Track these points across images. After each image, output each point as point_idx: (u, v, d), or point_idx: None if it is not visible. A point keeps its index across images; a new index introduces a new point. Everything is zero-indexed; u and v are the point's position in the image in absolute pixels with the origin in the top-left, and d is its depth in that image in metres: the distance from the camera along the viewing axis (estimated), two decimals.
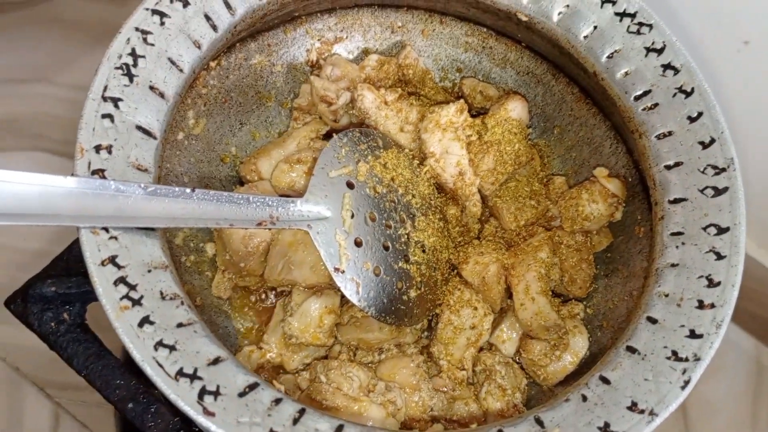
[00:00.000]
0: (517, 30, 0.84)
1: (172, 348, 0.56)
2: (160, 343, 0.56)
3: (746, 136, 0.93)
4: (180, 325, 0.57)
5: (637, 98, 0.74)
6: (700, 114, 0.72)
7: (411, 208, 0.78)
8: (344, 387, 0.70)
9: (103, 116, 0.63)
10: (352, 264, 0.71)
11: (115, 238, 0.59)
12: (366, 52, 0.90)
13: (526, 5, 0.79)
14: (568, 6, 0.78)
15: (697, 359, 0.60)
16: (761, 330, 1.15)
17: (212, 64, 0.78)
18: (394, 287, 0.74)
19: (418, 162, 0.82)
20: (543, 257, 0.79)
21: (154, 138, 0.65)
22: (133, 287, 0.58)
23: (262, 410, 0.55)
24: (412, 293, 0.75)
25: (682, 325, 0.62)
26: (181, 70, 0.69)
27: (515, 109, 0.84)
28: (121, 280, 0.57)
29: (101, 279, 0.57)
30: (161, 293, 0.59)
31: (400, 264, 0.75)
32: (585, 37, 0.77)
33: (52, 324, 0.70)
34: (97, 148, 0.62)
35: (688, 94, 0.73)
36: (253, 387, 0.56)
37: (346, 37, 0.90)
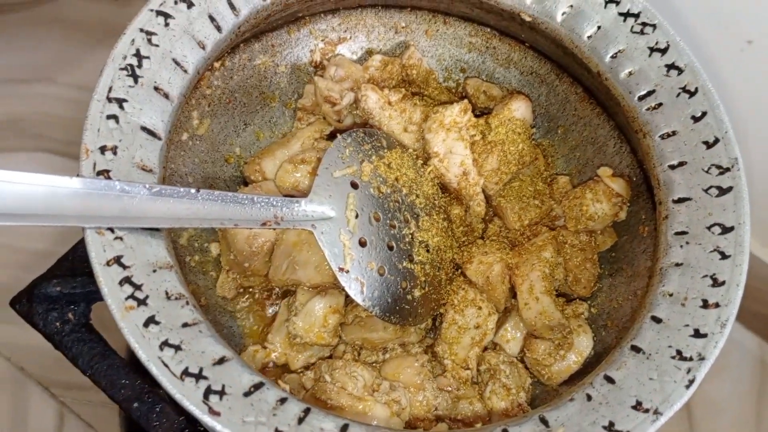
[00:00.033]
0: (521, 30, 0.84)
1: (177, 348, 0.56)
2: (165, 343, 0.56)
3: (750, 135, 0.94)
4: (185, 324, 0.58)
5: (641, 98, 0.74)
6: (704, 114, 0.72)
7: (415, 207, 0.78)
8: (349, 386, 0.70)
9: (108, 117, 0.63)
10: (357, 264, 0.71)
11: (121, 238, 0.59)
12: (370, 53, 0.90)
13: (529, 5, 0.79)
14: (571, 6, 0.78)
15: (702, 359, 0.60)
16: (766, 329, 1.15)
17: (216, 64, 0.78)
18: (399, 287, 0.74)
19: (422, 162, 0.82)
20: (547, 257, 0.79)
21: (159, 139, 0.65)
22: (138, 287, 0.58)
23: (267, 410, 0.55)
24: (417, 293, 0.75)
25: (687, 325, 0.62)
26: (185, 71, 0.69)
27: (519, 109, 0.84)
28: (127, 280, 0.58)
29: (107, 279, 0.57)
30: (166, 293, 0.59)
31: (404, 264, 0.75)
32: (589, 37, 0.78)
33: (57, 324, 0.71)
34: (102, 149, 0.62)
35: (692, 94, 0.73)
36: (258, 386, 0.56)
37: (350, 38, 0.90)
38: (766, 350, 1.15)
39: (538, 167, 0.87)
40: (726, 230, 0.66)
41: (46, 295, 0.70)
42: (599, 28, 0.77)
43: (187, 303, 0.59)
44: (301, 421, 0.55)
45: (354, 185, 0.74)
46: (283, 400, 0.56)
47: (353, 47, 0.90)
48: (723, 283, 0.64)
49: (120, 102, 0.64)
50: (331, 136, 0.86)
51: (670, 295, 0.64)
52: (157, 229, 0.62)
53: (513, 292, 0.80)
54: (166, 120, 0.67)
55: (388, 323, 0.74)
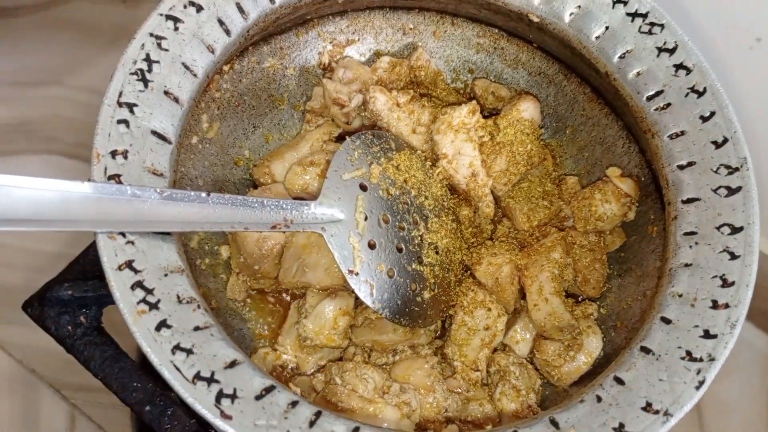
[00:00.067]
0: (529, 31, 0.84)
1: (189, 351, 0.56)
2: (177, 347, 0.56)
3: (759, 134, 0.93)
4: (197, 328, 0.58)
5: (649, 98, 0.74)
6: (712, 113, 0.72)
7: (424, 209, 0.78)
8: (359, 388, 0.70)
9: (119, 122, 0.64)
10: (366, 266, 0.71)
11: (132, 242, 0.59)
12: (378, 54, 0.90)
13: (537, 6, 0.79)
14: (579, 7, 0.78)
15: (712, 359, 0.60)
16: None
17: (225, 68, 0.79)
18: (408, 289, 0.74)
19: (430, 163, 0.82)
20: (556, 257, 0.79)
21: (169, 143, 0.66)
22: (150, 291, 0.58)
23: (279, 413, 0.55)
24: (426, 295, 0.75)
25: (696, 326, 0.62)
26: (195, 75, 0.70)
27: (527, 110, 0.84)
28: (138, 284, 0.58)
29: (118, 283, 0.57)
30: (178, 297, 0.59)
31: (413, 266, 0.75)
32: (597, 37, 0.78)
33: (69, 327, 0.71)
34: (113, 154, 0.62)
35: (700, 94, 0.73)
36: (269, 390, 0.56)
37: (358, 40, 0.90)
38: None
39: (547, 168, 0.87)
40: (735, 230, 0.66)
41: (57, 299, 0.70)
42: (607, 28, 0.77)
43: (199, 306, 0.59)
44: (312, 424, 0.55)
45: (363, 187, 0.74)
46: (294, 404, 0.56)
47: (361, 49, 0.90)
48: (732, 283, 0.64)
49: (130, 106, 0.65)
50: (340, 138, 0.87)
51: (680, 295, 0.64)
52: (168, 233, 0.62)
53: (522, 293, 0.80)
54: (176, 124, 0.67)
55: (398, 325, 0.74)
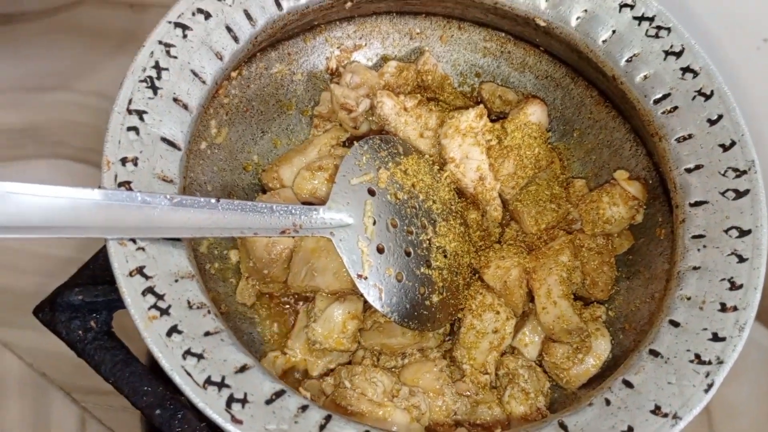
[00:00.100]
0: (536, 35, 0.84)
1: (200, 356, 0.57)
2: (188, 352, 0.57)
3: (766, 137, 0.93)
4: (207, 333, 0.58)
5: (656, 101, 0.74)
6: (720, 117, 0.72)
7: (432, 213, 0.78)
8: (368, 392, 0.70)
9: (129, 129, 0.64)
10: (375, 270, 0.72)
11: (143, 248, 0.60)
12: (385, 59, 0.90)
13: (544, 10, 0.79)
14: (586, 11, 0.78)
15: (720, 362, 0.60)
16: None
17: (234, 74, 0.79)
18: (417, 293, 0.74)
19: (438, 168, 0.82)
20: (564, 260, 0.79)
21: (179, 149, 0.66)
22: (160, 297, 0.58)
23: (289, 417, 0.56)
24: (435, 298, 0.75)
25: (705, 328, 0.62)
26: (203, 82, 0.70)
27: (535, 113, 0.84)
28: (149, 290, 0.58)
29: (129, 289, 0.58)
30: (188, 302, 0.59)
31: (422, 269, 0.75)
32: (603, 41, 0.78)
33: (80, 332, 0.71)
34: (123, 161, 0.63)
35: (707, 97, 0.73)
36: (279, 394, 0.57)
37: (365, 45, 0.90)
38: None
39: (555, 171, 0.87)
40: (743, 233, 0.66)
41: (68, 304, 0.71)
42: (614, 32, 0.77)
43: (209, 312, 0.60)
44: (322, 428, 0.56)
45: (371, 192, 0.75)
46: (304, 408, 0.56)
47: (368, 54, 0.91)
48: (741, 286, 0.64)
49: (140, 114, 0.65)
50: (348, 143, 0.87)
51: (688, 298, 0.65)
52: (178, 239, 0.63)
53: (530, 296, 0.80)
54: (185, 130, 0.67)
55: (407, 329, 0.75)
